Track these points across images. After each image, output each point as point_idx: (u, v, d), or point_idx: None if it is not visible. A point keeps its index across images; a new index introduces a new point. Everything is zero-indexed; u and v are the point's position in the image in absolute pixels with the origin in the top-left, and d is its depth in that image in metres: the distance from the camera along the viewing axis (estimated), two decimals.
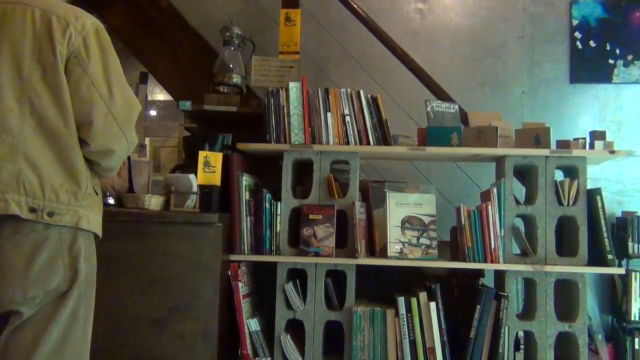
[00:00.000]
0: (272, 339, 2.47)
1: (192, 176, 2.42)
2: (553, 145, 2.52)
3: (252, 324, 2.42)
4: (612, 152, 2.47)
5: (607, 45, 3.65)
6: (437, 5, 3.77)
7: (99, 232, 1.58)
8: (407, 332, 2.38)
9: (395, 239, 2.48)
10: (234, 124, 2.86)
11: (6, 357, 1.41)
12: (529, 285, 2.52)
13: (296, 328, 2.51)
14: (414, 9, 3.78)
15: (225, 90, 2.89)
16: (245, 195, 2.49)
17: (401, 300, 2.39)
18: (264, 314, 2.57)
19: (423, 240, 2.49)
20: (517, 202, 2.51)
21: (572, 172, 2.53)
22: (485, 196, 2.50)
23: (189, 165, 2.54)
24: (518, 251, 2.57)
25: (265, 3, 3.48)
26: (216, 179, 2.39)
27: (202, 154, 2.39)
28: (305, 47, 3.11)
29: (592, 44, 3.65)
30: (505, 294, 2.39)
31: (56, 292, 1.44)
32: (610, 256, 2.38)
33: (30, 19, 1.44)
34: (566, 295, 2.49)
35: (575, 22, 3.67)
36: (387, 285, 2.64)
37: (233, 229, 2.47)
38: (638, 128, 3.60)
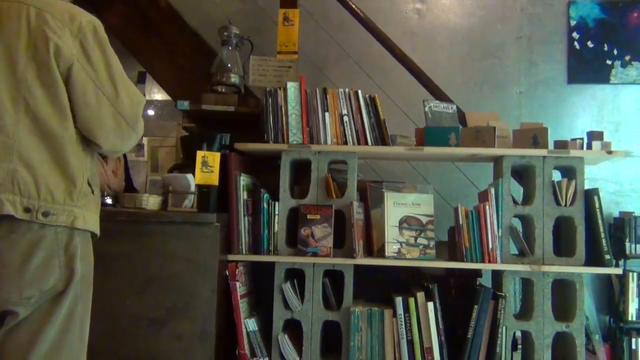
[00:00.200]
0: (270, 338, 2.47)
1: (189, 176, 2.42)
2: (551, 146, 2.52)
3: (250, 324, 2.42)
4: (610, 152, 2.47)
5: (605, 45, 3.65)
6: (436, 5, 3.77)
7: (96, 231, 1.58)
8: (404, 332, 2.39)
9: (393, 239, 2.48)
10: (232, 124, 2.86)
11: (2, 357, 1.41)
12: (527, 285, 2.52)
13: (294, 328, 2.51)
14: (412, 9, 3.78)
15: (223, 90, 2.89)
16: (243, 195, 2.49)
17: (399, 300, 2.40)
18: (262, 314, 2.57)
19: (421, 240, 2.49)
20: (515, 202, 2.51)
21: (569, 172, 2.53)
22: (483, 196, 2.50)
23: (187, 165, 2.54)
24: (515, 251, 2.58)
25: (263, 3, 3.48)
26: (214, 179, 2.38)
27: (200, 154, 2.39)
28: (303, 47, 3.12)
29: (589, 44, 3.66)
30: (503, 294, 2.39)
31: (52, 292, 1.44)
32: (607, 256, 2.39)
33: (25, 17, 1.43)
34: (563, 296, 2.49)
35: (573, 23, 3.68)
36: (384, 285, 2.64)
37: (231, 229, 2.47)
38: (635, 128, 3.61)
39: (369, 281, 2.61)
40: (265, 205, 2.50)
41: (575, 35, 3.67)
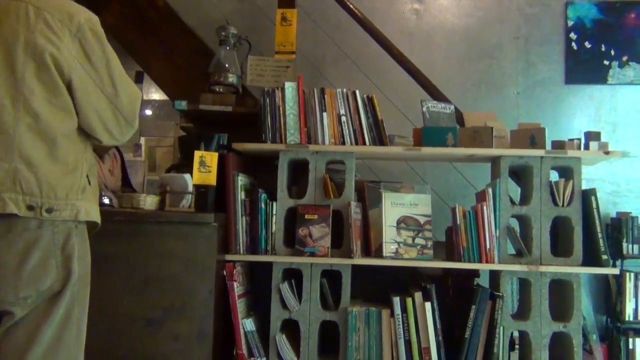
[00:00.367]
0: (268, 339, 2.46)
1: (187, 176, 2.41)
2: (548, 146, 2.52)
3: (248, 324, 2.42)
4: (607, 152, 2.47)
5: (602, 46, 3.66)
6: (433, 5, 3.78)
7: (98, 220, 1.60)
8: (402, 332, 2.39)
9: (390, 239, 2.48)
10: (229, 124, 2.86)
11: None
12: (524, 285, 2.52)
13: (291, 328, 2.51)
14: (410, 10, 3.78)
15: (221, 89, 2.89)
16: (241, 195, 2.49)
17: (396, 300, 2.40)
18: (259, 314, 2.57)
19: (418, 241, 2.49)
20: (512, 202, 2.51)
21: (567, 172, 2.53)
22: (481, 196, 2.50)
23: (185, 164, 2.54)
24: (513, 251, 2.58)
25: (261, 3, 3.48)
26: (212, 179, 2.38)
27: (197, 154, 2.38)
28: (301, 47, 3.12)
29: (587, 45, 3.66)
30: (500, 294, 2.40)
31: (49, 292, 1.43)
32: (604, 256, 2.39)
33: (24, 15, 1.43)
34: (561, 296, 2.50)
35: (570, 23, 3.69)
36: (382, 286, 2.64)
37: (228, 229, 2.46)
38: (633, 129, 3.62)
39: (367, 281, 2.61)
40: (262, 205, 2.50)
41: (572, 35, 3.67)
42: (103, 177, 2.91)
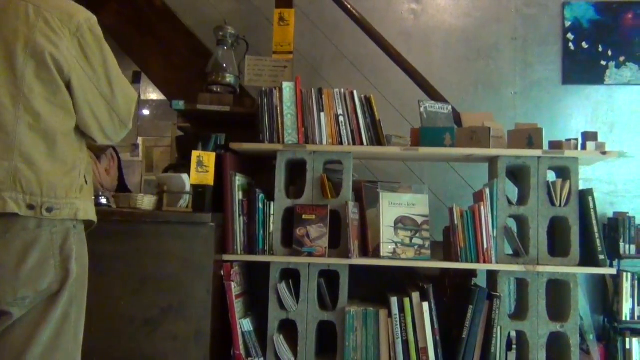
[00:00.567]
0: (265, 339, 2.46)
1: (185, 176, 2.41)
2: (545, 146, 2.53)
3: (245, 324, 2.42)
4: (604, 153, 2.48)
5: (600, 46, 3.67)
6: (431, 6, 3.78)
7: (95, 219, 1.60)
8: (399, 332, 2.39)
9: (388, 239, 2.48)
10: (227, 124, 2.85)
11: None
12: (521, 285, 2.53)
13: (289, 328, 2.51)
14: (408, 10, 3.79)
15: (218, 89, 2.89)
16: (239, 195, 2.49)
17: (394, 300, 2.40)
18: (257, 314, 2.57)
19: (416, 241, 2.49)
20: (510, 202, 2.52)
21: (564, 172, 2.54)
22: (478, 197, 2.51)
23: (182, 164, 2.54)
24: (510, 251, 2.58)
25: (259, 3, 3.48)
26: (209, 179, 2.38)
27: (195, 154, 2.38)
28: (299, 47, 3.11)
29: (584, 45, 3.67)
30: (498, 294, 2.40)
31: (47, 292, 1.43)
32: (601, 256, 2.39)
33: (23, 14, 1.43)
34: (558, 296, 2.50)
35: (567, 24, 3.69)
36: (380, 286, 2.64)
37: (226, 229, 2.46)
38: (630, 129, 3.63)
39: (364, 281, 2.62)
40: (260, 206, 2.50)
41: (570, 36, 3.68)
42: (99, 176, 2.91)
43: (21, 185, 1.39)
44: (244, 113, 2.77)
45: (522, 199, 2.56)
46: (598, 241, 2.40)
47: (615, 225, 3.40)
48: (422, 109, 2.67)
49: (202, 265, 2.26)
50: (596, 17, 3.68)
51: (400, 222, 2.51)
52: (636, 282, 3.36)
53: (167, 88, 3.29)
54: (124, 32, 3.22)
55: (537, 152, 2.48)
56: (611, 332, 3.39)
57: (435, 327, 2.38)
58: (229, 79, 2.89)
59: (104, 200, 2.45)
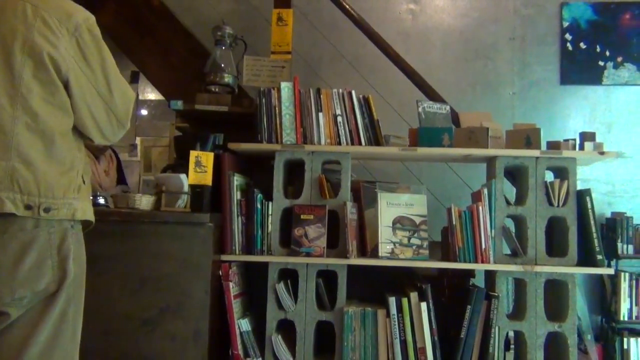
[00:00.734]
0: (263, 339, 2.46)
1: (183, 176, 2.41)
2: (543, 146, 2.53)
3: (243, 324, 2.42)
4: (602, 153, 2.48)
5: (597, 47, 3.67)
6: (429, 6, 3.78)
7: (93, 219, 1.60)
8: (398, 332, 2.39)
9: (386, 239, 2.48)
10: (225, 124, 2.85)
11: None
12: (519, 285, 2.53)
13: (287, 328, 2.51)
14: (406, 10, 3.79)
15: (216, 89, 2.89)
16: (237, 195, 2.49)
17: (392, 300, 2.40)
18: (255, 314, 2.57)
19: (414, 241, 2.49)
20: (508, 202, 2.52)
21: (562, 173, 2.54)
22: (476, 197, 2.51)
23: (180, 165, 2.53)
24: (508, 251, 2.59)
25: (257, 3, 3.48)
26: (207, 179, 2.38)
27: (193, 154, 2.38)
28: (297, 47, 3.11)
29: (582, 45, 3.68)
30: (496, 294, 2.40)
31: (44, 293, 1.43)
32: (599, 257, 2.40)
33: (21, 13, 1.42)
34: (556, 296, 2.50)
35: (565, 24, 3.70)
36: (378, 286, 2.64)
37: (224, 229, 2.46)
38: (627, 129, 3.64)
39: (363, 281, 2.62)
40: (258, 206, 2.50)
41: (567, 36, 3.68)
42: (98, 177, 2.91)
43: (19, 185, 1.38)
44: (242, 113, 2.77)
45: (520, 199, 2.57)
46: (596, 241, 2.41)
47: (613, 225, 3.40)
48: (420, 109, 2.68)
49: (200, 266, 2.26)
50: (594, 18, 3.69)
51: (399, 222, 2.51)
52: (634, 282, 3.37)
53: (165, 88, 3.28)
54: (122, 32, 3.22)
55: (535, 152, 2.49)
56: (609, 332, 3.39)
57: (434, 327, 2.38)
58: (227, 79, 2.89)
59: (101, 200, 2.44)
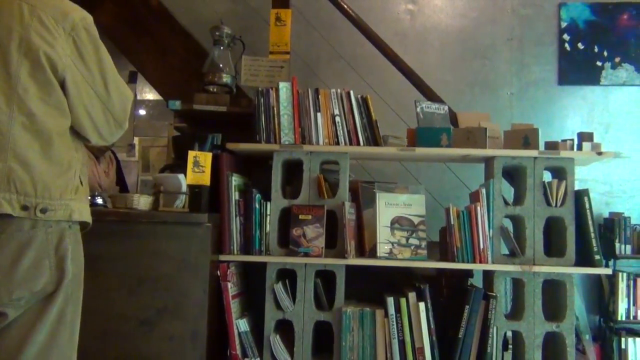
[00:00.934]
0: (262, 339, 2.46)
1: (181, 176, 2.41)
2: (541, 147, 2.53)
3: (241, 325, 2.42)
4: (600, 153, 2.49)
5: (595, 47, 3.68)
6: (427, 6, 3.78)
7: (90, 220, 1.59)
8: (396, 332, 2.39)
9: (384, 239, 2.48)
10: (223, 124, 2.85)
11: None
12: (517, 285, 2.53)
13: (285, 328, 2.51)
14: (404, 10, 3.79)
15: (215, 89, 2.88)
16: (235, 195, 2.49)
17: (390, 300, 2.40)
18: (253, 315, 2.56)
19: (412, 241, 2.49)
20: (506, 202, 2.52)
21: (560, 173, 2.54)
22: (474, 197, 2.51)
23: (179, 165, 2.53)
24: (506, 251, 2.59)
25: (255, 3, 3.48)
26: (205, 179, 2.38)
27: (191, 154, 2.38)
28: (295, 47, 3.11)
29: (580, 46, 3.68)
30: (494, 294, 2.40)
31: (42, 293, 1.43)
32: (597, 257, 2.40)
33: (18, 13, 1.42)
34: (554, 296, 2.51)
35: (563, 25, 3.70)
36: (376, 286, 2.64)
37: (222, 229, 2.46)
38: (625, 130, 3.64)
39: (361, 281, 2.61)
40: (257, 206, 2.49)
41: (565, 36, 3.69)
42: (98, 177, 2.91)
43: (15, 185, 1.38)
44: (240, 113, 2.77)
45: (518, 199, 2.57)
46: (594, 241, 2.41)
47: (611, 226, 3.40)
48: (418, 109, 2.68)
49: (199, 266, 2.26)
50: (592, 18, 3.69)
51: (397, 222, 2.51)
52: (632, 282, 3.37)
53: (163, 88, 3.28)
54: (121, 32, 3.22)
55: (533, 153, 2.49)
56: (607, 332, 3.40)
57: (432, 327, 2.38)
58: (226, 79, 2.89)
59: (100, 200, 2.44)
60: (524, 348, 2.41)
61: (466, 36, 3.73)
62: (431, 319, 2.38)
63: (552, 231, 2.56)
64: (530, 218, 2.47)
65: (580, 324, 2.84)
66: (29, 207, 1.39)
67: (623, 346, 3.31)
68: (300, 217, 2.48)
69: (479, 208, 2.42)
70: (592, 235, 2.42)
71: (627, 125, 3.64)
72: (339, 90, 2.56)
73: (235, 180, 2.50)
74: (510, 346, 2.54)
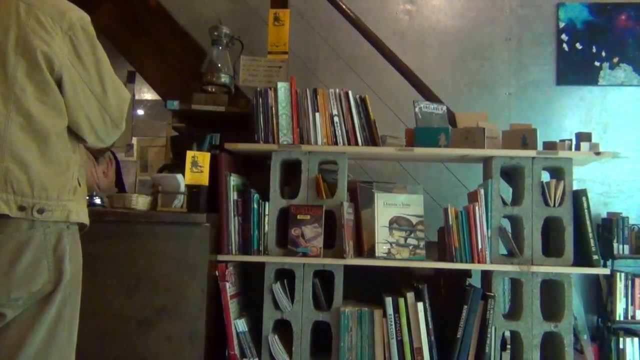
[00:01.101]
0: (260, 339, 2.46)
1: (179, 176, 2.41)
2: (540, 147, 2.53)
3: (240, 325, 2.42)
4: (598, 153, 2.49)
5: (593, 47, 3.69)
6: (426, 6, 3.79)
7: (87, 222, 1.58)
8: (394, 333, 2.39)
9: (383, 239, 2.49)
10: (222, 124, 2.85)
11: None
12: (516, 285, 2.53)
13: (284, 328, 2.51)
14: (403, 10, 3.79)
15: (213, 89, 2.88)
16: (233, 195, 2.49)
17: (389, 300, 2.40)
18: (252, 315, 2.56)
19: (411, 241, 2.49)
20: (504, 202, 2.52)
21: (558, 173, 2.55)
22: (473, 197, 2.51)
23: (177, 165, 2.53)
24: (505, 251, 2.59)
25: (254, 3, 3.48)
26: (204, 179, 2.38)
27: (189, 154, 2.38)
28: (293, 47, 3.12)
29: (578, 46, 3.69)
30: (492, 294, 2.40)
31: (41, 293, 1.42)
32: (595, 257, 2.40)
33: (14, 12, 1.41)
34: (552, 296, 2.51)
35: (562, 25, 3.71)
36: (374, 286, 2.64)
37: (221, 229, 2.46)
38: (623, 130, 3.65)
39: (359, 281, 2.62)
40: (255, 206, 2.49)
41: (564, 37, 3.69)
42: (97, 178, 2.90)
43: (12, 186, 1.37)
44: (238, 113, 2.77)
45: (517, 199, 2.57)
46: (592, 241, 2.41)
47: (609, 226, 3.41)
48: (416, 110, 2.68)
49: (197, 266, 2.26)
50: (590, 18, 3.70)
51: (395, 223, 2.51)
52: (630, 282, 3.38)
53: (161, 88, 3.28)
54: (119, 31, 3.21)
55: (531, 153, 2.49)
56: (605, 331, 3.40)
57: (430, 327, 2.38)
58: (224, 79, 2.89)
59: (98, 201, 2.44)
60: (522, 348, 2.41)
61: (464, 36, 3.73)
62: (429, 319, 2.38)
63: (550, 231, 2.56)
64: (528, 218, 2.47)
65: (578, 323, 2.85)
66: (26, 208, 1.38)
67: (621, 346, 3.32)
68: (299, 217, 2.48)
69: (477, 208, 2.42)
70: (590, 235, 2.42)
71: (625, 125, 3.65)
72: (337, 90, 2.56)
73: (233, 180, 2.50)
74: (509, 346, 2.54)
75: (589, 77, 3.67)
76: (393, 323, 2.39)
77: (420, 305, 2.37)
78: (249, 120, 2.61)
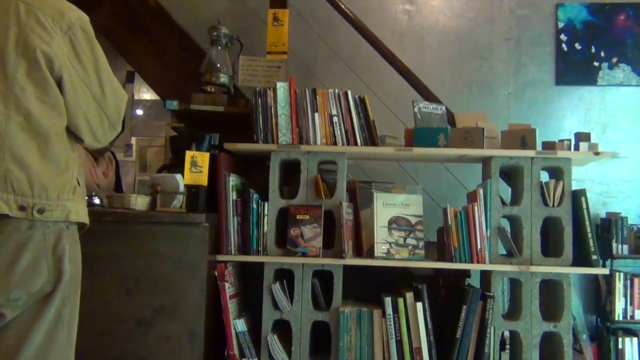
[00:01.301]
0: (259, 339, 2.46)
1: (178, 176, 2.41)
2: (539, 147, 2.53)
3: (239, 325, 2.42)
4: (597, 153, 2.49)
5: (592, 47, 3.69)
6: (425, 6, 3.79)
7: (87, 221, 1.58)
8: (393, 333, 2.39)
9: (382, 239, 2.49)
10: (221, 124, 2.85)
11: None
12: (515, 285, 2.53)
13: (283, 328, 2.51)
14: (402, 10, 3.79)
15: (212, 89, 2.88)
16: (232, 196, 2.49)
17: (388, 300, 2.40)
18: (251, 315, 2.56)
19: (410, 241, 2.50)
20: (503, 202, 2.52)
21: (557, 173, 2.55)
22: (472, 197, 2.51)
23: (176, 165, 2.53)
24: (504, 251, 2.59)
25: (253, 3, 3.48)
26: (203, 179, 2.38)
27: (189, 154, 2.38)
28: (293, 47, 3.11)
29: (577, 46, 3.69)
30: (491, 294, 2.41)
31: (40, 293, 1.42)
32: (594, 257, 2.40)
33: (14, 12, 1.41)
34: (551, 296, 2.51)
35: (560, 25, 3.71)
36: (374, 286, 2.64)
37: (220, 229, 2.46)
38: (622, 130, 3.65)
39: (358, 281, 2.62)
40: (254, 206, 2.49)
41: (563, 37, 3.70)
42: (97, 178, 2.90)
43: (12, 186, 1.37)
44: (237, 113, 2.77)
45: (516, 199, 2.57)
46: (591, 241, 2.41)
47: (608, 226, 3.41)
48: (416, 110, 2.68)
49: (196, 266, 2.26)
50: (589, 18, 3.70)
51: (394, 223, 2.51)
52: (628, 282, 3.38)
53: (160, 88, 3.28)
54: (118, 31, 3.21)
55: (530, 153, 2.49)
56: (604, 331, 3.40)
57: (429, 327, 2.38)
58: (223, 79, 2.89)
59: (97, 200, 2.44)
60: (522, 348, 2.42)
61: (464, 36, 3.74)
62: (429, 319, 2.38)
63: (550, 231, 2.57)
64: (527, 218, 2.47)
65: (577, 323, 2.85)
66: (26, 208, 1.38)
67: (620, 346, 3.32)
68: (298, 217, 2.48)
69: (476, 208, 2.42)
70: (589, 235, 2.42)
71: (624, 125, 3.65)
72: (336, 90, 2.56)
73: (232, 180, 2.50)
74: (508, 346, 2.54)
75: (588, 77, 3.68)
76: (392, 323, 2.39)
77: (419, 305, 2.37)
78: (248, 120, 2.61)
